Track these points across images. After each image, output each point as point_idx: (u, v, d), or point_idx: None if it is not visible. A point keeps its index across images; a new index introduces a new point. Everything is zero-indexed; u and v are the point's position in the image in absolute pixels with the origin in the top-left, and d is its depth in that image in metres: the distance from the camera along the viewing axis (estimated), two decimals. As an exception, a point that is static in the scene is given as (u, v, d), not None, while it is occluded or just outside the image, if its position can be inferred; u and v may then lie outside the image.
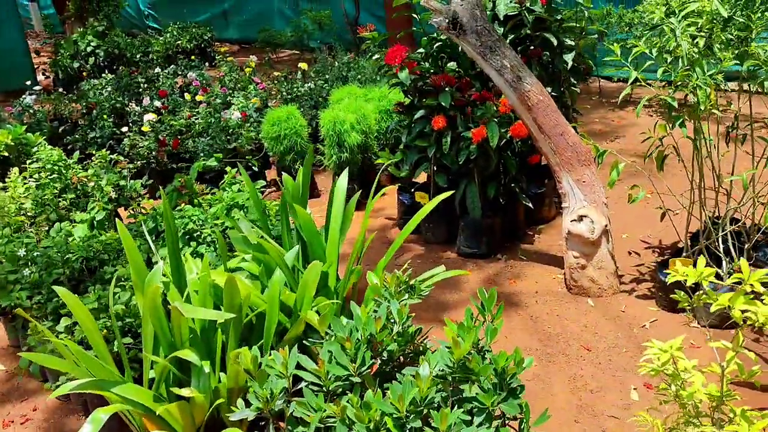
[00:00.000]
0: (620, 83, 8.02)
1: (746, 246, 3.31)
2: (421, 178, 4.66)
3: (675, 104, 3.00)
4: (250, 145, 5.41)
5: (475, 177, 4.03)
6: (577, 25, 4.23)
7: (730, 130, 3.32)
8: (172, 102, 6.82)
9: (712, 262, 3.30)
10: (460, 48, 4.08)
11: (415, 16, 4.19)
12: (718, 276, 3.27)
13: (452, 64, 4.20)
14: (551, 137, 3.53)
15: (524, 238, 4.33)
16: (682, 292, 2.03)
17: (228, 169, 4.01)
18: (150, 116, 5.52)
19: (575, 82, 4.40)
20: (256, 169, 5.39)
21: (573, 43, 4.21)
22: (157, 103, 6.73)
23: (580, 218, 3.53)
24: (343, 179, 3.10)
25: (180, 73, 7.91)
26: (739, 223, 3.39)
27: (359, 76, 6.60)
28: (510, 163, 3.95)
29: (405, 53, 3.88)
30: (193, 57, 9.66)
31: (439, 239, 4.34)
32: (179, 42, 11.00)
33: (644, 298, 3.54)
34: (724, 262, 3.27)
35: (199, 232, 3.40)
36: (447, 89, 3.88)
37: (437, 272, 2.84)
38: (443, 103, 3.82)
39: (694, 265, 1.87)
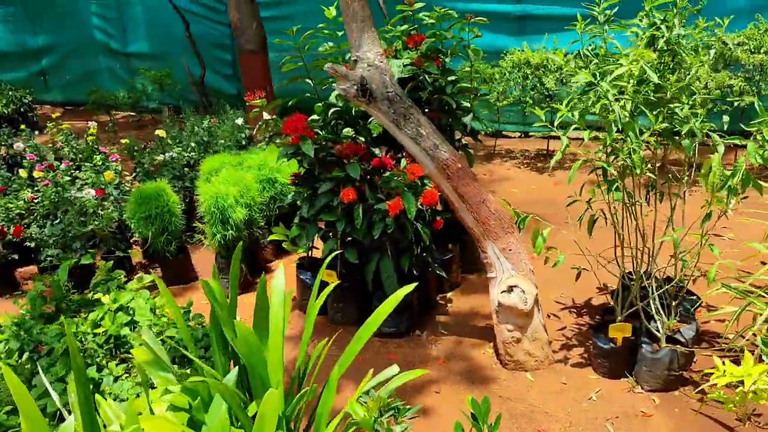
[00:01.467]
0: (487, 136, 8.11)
1: (674, 303, 3.30)
2: (317, 252, 4.30)
3: (612, 169, 2.93)
4: (110, 227, 4.73)
5: (388, 250, 3.74)
6: (471, 85, 4.13)
7: (649, 190, 3.33)
8: (0, 180, 5.89)
9: (642, 320, 3.25)
10: (354, 113, 3.85)
11: (309, 81, 3.86)
12: (652, 335, 3.22)
13: (348, 130, 3.92)
14: (473, 206, 3.34)
15: (438, 309, 4.10)
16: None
17: (100, 263, 3.39)
18: (-16, 201, 4.66)
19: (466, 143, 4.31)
20: (120, 254, 4.71)
21: (469, 105, 4.11)
22: (-19, 182, 5.78)
23: (510, 289, 3.35)
24: (280, 276, 2.65)
25: (3, 143, 6.91)
26: (666, 282, 3.39)
27: (221, 141, 6.11)
28: (424, 233, 3.71)
29: (304, 122, 3.53)
30: (8, 125, 8.57)
31: (350, 320, 3.97)
32: (-7, 106, 9.74)
33: (580, 366, 3.42)
34: (658, 321, 3.22)
35: (92, 353, 2.77)
36: (354, 160, 3.58)
37: (392, 373, 2.48)
38: (352, 175, 3.51)
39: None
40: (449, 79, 3.98)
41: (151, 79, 9.52)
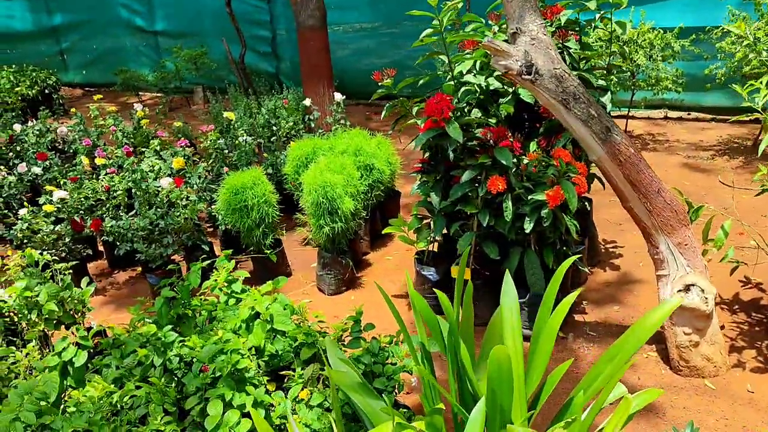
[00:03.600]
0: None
1: None
2: (419, 245, 3.93)
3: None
4: (194, 219, 4.35)
5: (532, 245, 3.39)
6: (610, 62, 3.76)
7: None
8: (56, 168, 5.49)
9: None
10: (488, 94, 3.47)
11: (444, 57, 3.46)
12: None
13: (475, 112, 3.55)
14: (647, 196, 2.99)
15: (574, 308, 3.76)
16: None
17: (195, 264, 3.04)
18: (61, 193, 4.25)
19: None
20: (206, 248, 4.33)
21: (604, 83, 3.74)
22: (36, 170, 5.38)
23: (687, 288, 3.01)
24: (510, 289, 2.25)
25: (47, 127, 6.47)
26: None
27: (290, 123, 5.72)
28: (572, 225, 3.36)
29: (449, 103, 3.15)
30: (43, 107, 8.12)
31: (483, 320, 3.62)
32: (18, 88, 9.27)
33: (760, 371, 3.09)
34: None
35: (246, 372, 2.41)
36: (504, 145, 3.21)
37: (620, 393, 2.14)
38: (504, 161, 3.14)
39: None
40: (587, 53, 3.61)
41: (185, 58, 9.04)
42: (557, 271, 2.24)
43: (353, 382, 2.11)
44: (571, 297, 2.10)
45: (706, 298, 2.98)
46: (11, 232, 4.35)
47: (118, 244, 4.34)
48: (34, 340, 3.07)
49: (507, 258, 3.43)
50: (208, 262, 3.15)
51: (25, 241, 4.36)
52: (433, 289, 2.70)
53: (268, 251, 4.19)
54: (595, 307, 3.75)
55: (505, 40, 3.03)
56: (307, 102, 5.83)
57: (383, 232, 3.95)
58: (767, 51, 4.83)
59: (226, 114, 5.31)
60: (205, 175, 4.66)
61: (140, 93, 10.24)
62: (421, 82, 3.55)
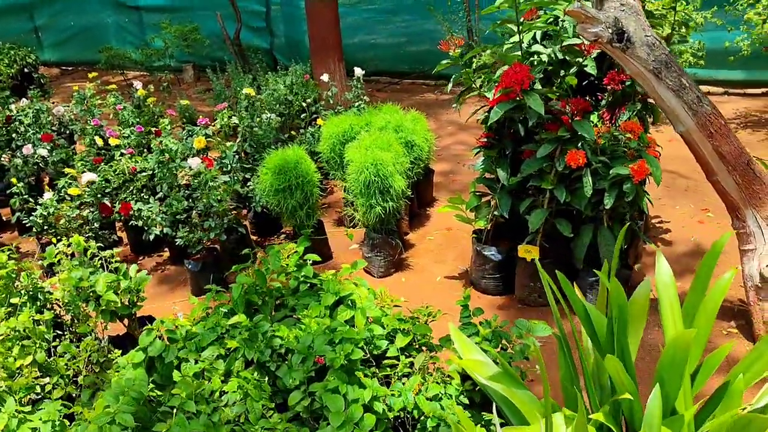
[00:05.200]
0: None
1: None
2: (478, 224, 3.79)
3: None
4: (230, 201, 4.13)
5: (605, 221, 3.27)
6: (673, 31, 3.64)
7: None
8: (62, 150, 5.19)
9: None
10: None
11: (512, 26, 3.29)
12: None
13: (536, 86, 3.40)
14: (736, 168, 2.89)
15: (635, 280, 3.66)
16: None
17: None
18: (91, 176, 3.97)
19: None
20: (242, 231, 4.12)
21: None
22: (42, 152, 5.07)
23: (776, 261, 2.93)
24: (665, 269, 2.04)
25: (42, 107, 6.12)
26: None
27: (306, 102, 5.50)
28: (644, 201, 3.25)
29: (528, 73, 2.99)
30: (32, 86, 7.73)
31: (546, 301, 3.50)
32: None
33: None
34: None
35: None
36: (585, 117, 3.08)
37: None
38: (586, 135, 3.01)
39: None
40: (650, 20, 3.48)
41: (175, 35, 8.68)
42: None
43: (493, 372, 1.96)
44: (728, 279, 1.96)
45: (796, 272, 2.91)
46: (31, 218, 4.07)
47: (146, 228, 4.11)
48: (91, 333, 2.86)
49: (578, 235, 3.31)
50: (279, 245, 2.93)
51: (46, 227, 4.10)
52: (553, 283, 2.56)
53: (308, 231, 4.00)
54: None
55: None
56: (325, 77, 5.59)
57: (439, 211, 3.79)
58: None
59: (245, 90, 5.06)
60: (237, 154, 4.42)
61: (125, 72, 9.82)
62: (487, 52, 3.38)
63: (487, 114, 3.36)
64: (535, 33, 3.41)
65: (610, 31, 2.76)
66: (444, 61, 3.33)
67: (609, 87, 3.40)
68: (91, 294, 2.83)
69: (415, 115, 4.52)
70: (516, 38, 3.38)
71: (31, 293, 2.92)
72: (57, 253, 2.99)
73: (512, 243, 3.60)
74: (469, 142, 6.23)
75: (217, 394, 2.33)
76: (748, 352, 1.90)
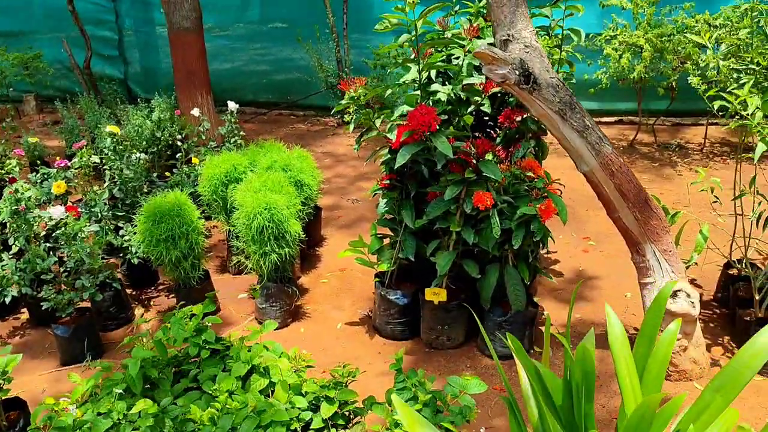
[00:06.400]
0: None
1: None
2: (381, 267, 3.66)
3: None
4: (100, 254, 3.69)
5: (510, 260, 3.26)
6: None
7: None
8: None
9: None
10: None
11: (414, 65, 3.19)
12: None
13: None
14: (636, 205, 2.97)
15: (539, 318, 3.69)
16: None
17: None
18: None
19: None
20: (117, 286, 3.69)
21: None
22: None
23: (674, 294, 3.04)
24: (616, 322, 1.98)
25: None
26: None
27: (193, 141, 5.13)
28: (547, 239, 3.27)
29: (435, 115, 2.90)
30: None
31: (455, 342, 3.44)
32: None
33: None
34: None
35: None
36: (489, 158, 3.04)
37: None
38: (491, 176, 2.97)
39: None
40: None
41: (15, 62, 7.85)
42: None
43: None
44: (674, 330, 1.95)
45: (692, 302, 3.03)
46: None
47: (2, 290, 3.57)
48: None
49: (485, 275, 3.26)
50: (189, 307, 2.61)
51: None
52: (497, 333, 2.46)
53: (197, 285, 3.68)
54: (555, 321, 3.71)
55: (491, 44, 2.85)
56: (196, 112, 5.24)
57: (339, 256, 3.60)
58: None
59: (109, 128, 4.60)
60: (100, 203, 3.97)
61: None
62: (389, 92, 3.27)
63: (390, 156, 3.24)
64: (430, 72, 3.35)
65: (517, 72, 2.74)
66: (343, 101, 3.17)
67: (504, 125, 3.41)
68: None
69: (300, 152, 4.32)
70: (411, 76, 3.30)
71: None
72: None
73: (417, 285, 3.50)
74: (348, 174, 6.11)
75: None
76: (695, 402, 1.89)
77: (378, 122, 3.23)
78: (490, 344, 2.00)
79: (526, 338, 3.34)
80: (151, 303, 4.03)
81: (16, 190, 3.74)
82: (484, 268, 3.28)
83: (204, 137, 5.27)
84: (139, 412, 2.26)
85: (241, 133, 5.17)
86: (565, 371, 1.86)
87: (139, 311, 3.91)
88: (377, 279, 3.58)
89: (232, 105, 5.19)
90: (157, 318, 3.84)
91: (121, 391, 2.34)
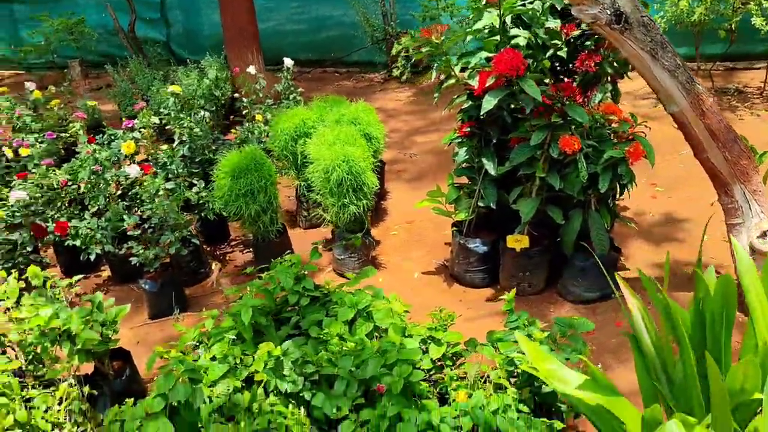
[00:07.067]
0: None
1: None
2: (458, 216, 3.67)
3: None
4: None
5: (593, 205, 3.24)
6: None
7: None
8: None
9: None
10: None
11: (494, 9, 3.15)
12: None
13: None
14: (725, 144, 2.93)
15: (617, 263, 3.68)
16: None
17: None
18: (19, 194, 3.46)
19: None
20: (196, 242, 3.75)
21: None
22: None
23: (764, 234, 3.01)
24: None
25: None
26: None
27: (250, 99, 5.14)
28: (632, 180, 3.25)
29: (522, 58, 2.87)
30: None
31: (536, 289, 3.46)
32: None
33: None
34: None
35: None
36: (576, 103, 3.01)
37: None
38: (579, 119, 2.94)
39: None
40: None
41: (60, 29, 7.88)
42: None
43: (572, 379, 1.83)
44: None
45: (784, 242, 3.01)
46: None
47: (84, 248, 3.66)
48: (70, 379, 2.47)
49: (568, 221, 3.26)
50: (290, 257, 2.66)
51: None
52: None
53: (275, 239, 3.74)
54: (628, 260, 3.70)
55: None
56: (252, 69, 5.24)
57: (416, 206, 3.62)
58: None
59: (171, 88, 4.63)
60: (182, 159, 4.02)
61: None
62: (468, 38, 3.23)
63: (471, 103, 3.22)
64: (505, 17, 3.30)
65: (608, 12, 2.70)
66: (425, 49, 3.14)
67: (581, 69, 3.36)
68: (62, 333, 2.45)
69: (365, 106, 4.32)
70: (485, 22, 3.25)
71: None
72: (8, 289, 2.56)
73: (495, 233, 3.51)
74: (401, 129, 6.10)
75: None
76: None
77: (457, 69, 3.21)
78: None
79: (606, 282, 3.35)
80: (226, 258, 4.10)
81: (95, 150, 3.80)
82: (567, 213, 3.28)
83: (260, 95, 5.27)
84: (252, 355, 2.34)
85: (299, 89, 5.16)
86: (696, 304, 1.87)
87: (216, 266, 3.98)
88: (454, 228, 3.59)
89: (288, 62, 5.18)
90: (233, 274, 3.91)
91: (233, 337, 2.41)
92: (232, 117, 6.22)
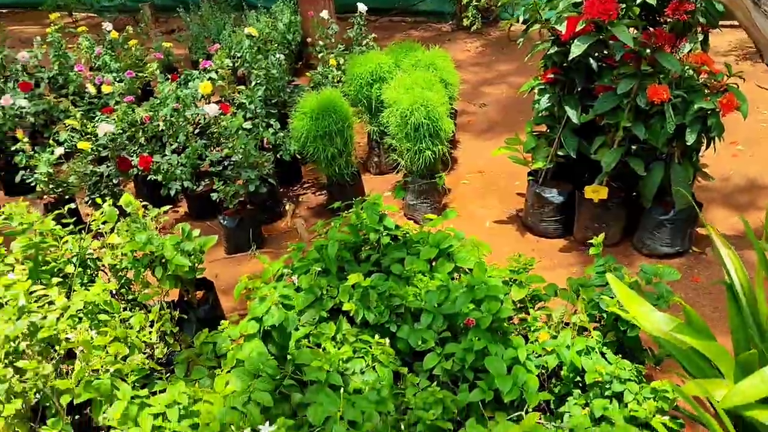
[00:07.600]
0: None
1: None
2: (535, 165, 3.64)
3: None
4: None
5: (676, 158, 3.17)
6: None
7: None
8: (39, 99, 4.71)
9: None
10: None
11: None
12: None
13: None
14: (825, 99, 2.82)
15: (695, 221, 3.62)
16: None
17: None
18: (108, 127, 3.59)
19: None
20: (273, 181, 3.82)
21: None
22: (22, 102, 4.59)
23: None
24: None
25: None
26: None
27: (319, 44, 5.15)
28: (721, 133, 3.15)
29: (616, 2, 2.79)
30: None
31: (611, 241, 3.42)
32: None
33: None
34: None
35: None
36: (665, 50, 2.93)
37: None
38: (671, 67, 2.87)
39: None
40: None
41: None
42: None
43: (664, 322, 1.83)
44: None
45: None
46: (36, 176, 3.67)
47: (164, 183, 3.78)
48: (160, 304, 2.59)
49: (649, 173, 3.20)
50: (372, 196, 2.70)
51: (52, 186, 3.71)
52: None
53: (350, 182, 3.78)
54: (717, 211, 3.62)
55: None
56: (324, 14, 5.24)
57: (494, 153, 3.61)
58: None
59: (248, 29, 4.66)
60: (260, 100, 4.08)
61: (72, 14, 9.03)
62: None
63: (556, 48, 3.17)
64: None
65: (711, -46, 2.59)
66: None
67: (671, 18, 3.25)
68: (155, 259, 2.56)
69: (440, 52, 4.28)
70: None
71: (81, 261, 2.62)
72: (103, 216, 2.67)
73: (571, 184, 3.48)
74: (470, 80, 6.03)
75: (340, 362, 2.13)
76: None
77: (544, 14, 3.15)
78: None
79: (687, 237, 3.30)
80: (300, 199, 4.18)
81: (176, 88, 3.89)
82: (648, 165, 3.22)
83: (332, 40, 5.26)
84: (338, 287, 2.40)
85: (372, 34, 5.14)
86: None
87: (290, 207, 4.06)
88: (530, 177, 3.57)
89: (361, 7, 5.15)
90: (307, 215, 3.99)
91: (319, 269, 2.48)
92: (299, 63, 6.26)
